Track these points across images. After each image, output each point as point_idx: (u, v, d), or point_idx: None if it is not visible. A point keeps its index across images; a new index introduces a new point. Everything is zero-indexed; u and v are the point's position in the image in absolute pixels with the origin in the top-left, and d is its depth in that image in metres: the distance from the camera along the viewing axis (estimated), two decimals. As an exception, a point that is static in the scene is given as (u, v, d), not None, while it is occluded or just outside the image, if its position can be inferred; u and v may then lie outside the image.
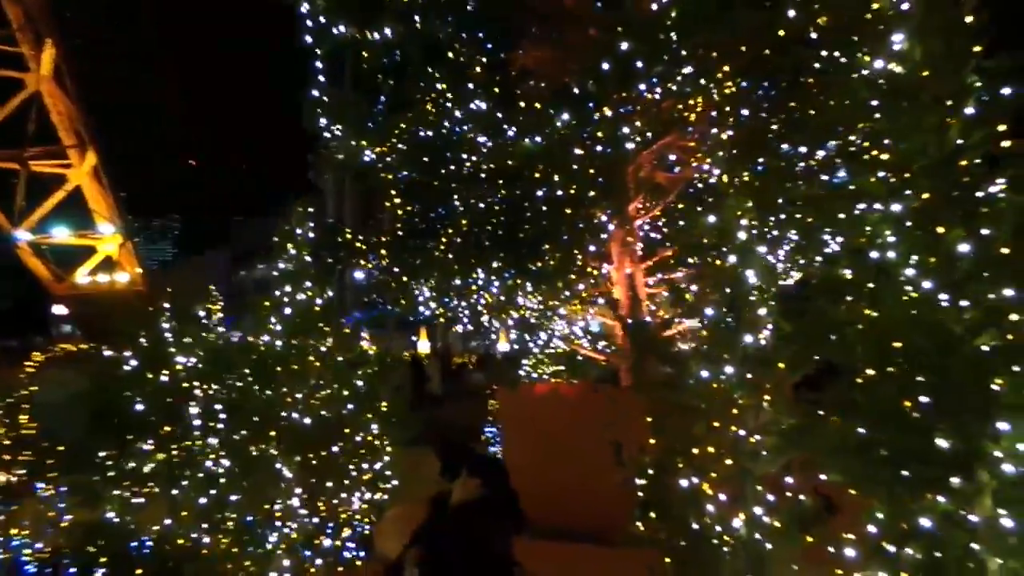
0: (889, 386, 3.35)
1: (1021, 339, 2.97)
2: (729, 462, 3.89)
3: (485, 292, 7.33)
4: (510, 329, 9.56)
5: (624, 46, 5.50)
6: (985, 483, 3.03)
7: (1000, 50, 3.27)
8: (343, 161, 9.88)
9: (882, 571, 3.28)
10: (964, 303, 3.07)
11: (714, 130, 5.39)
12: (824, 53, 4.49)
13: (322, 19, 8.59)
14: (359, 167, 9.12)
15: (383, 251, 8.06)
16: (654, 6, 6.14)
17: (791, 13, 5.11)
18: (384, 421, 6.70)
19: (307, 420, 6.07)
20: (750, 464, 3.65)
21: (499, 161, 6.69)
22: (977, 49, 3.31)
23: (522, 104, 6.36)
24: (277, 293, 6.55)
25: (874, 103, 3.51)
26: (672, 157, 7.45)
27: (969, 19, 3.34)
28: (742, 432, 3.64)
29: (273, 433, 5.37)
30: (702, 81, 5.47)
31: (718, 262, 3.79)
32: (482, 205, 7.13)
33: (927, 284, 3.15)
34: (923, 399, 3.23)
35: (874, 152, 3.34)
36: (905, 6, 3.40)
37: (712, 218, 3.97)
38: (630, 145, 6.33)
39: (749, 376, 3.57)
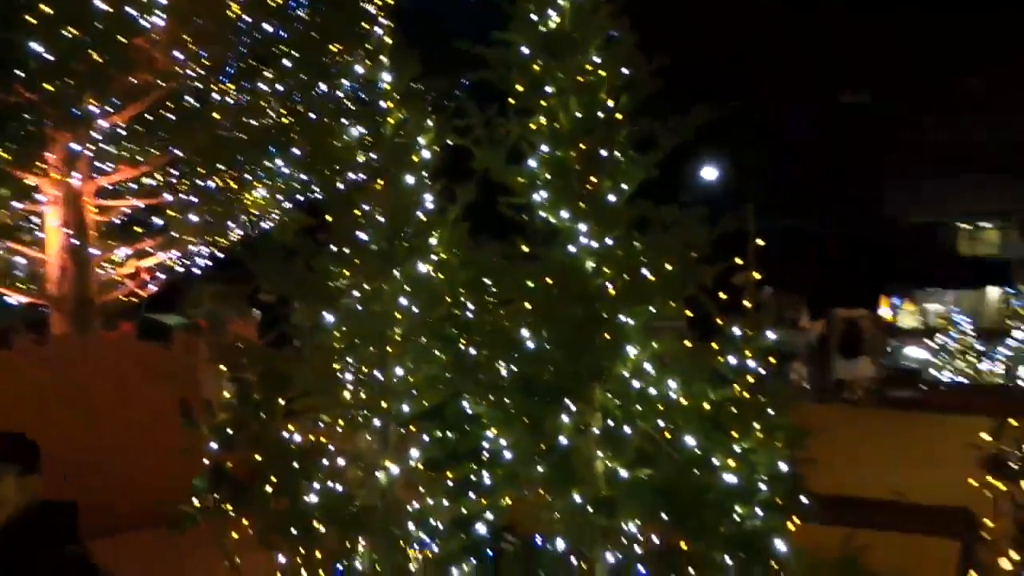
0: (521, 320, 3.63)
1: (636, 279, 3.59)
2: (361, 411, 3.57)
3: None
4: None
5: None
6: (600, 401, 3.59)
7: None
8: None
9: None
10: (608, 242, 3.52)
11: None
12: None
13: None
14: None
15: None
16: None
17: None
18: None
19: None
20: (401, 406, 3.43)
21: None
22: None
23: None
24: None
25: (526, 51, 3.67)
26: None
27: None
28: (400, 371, 3.39)
29: None
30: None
31: (378, 184, 3.39)
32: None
33: (581, 227, 3.50)
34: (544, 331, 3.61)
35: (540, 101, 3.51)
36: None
37: (358, 130, 3.52)
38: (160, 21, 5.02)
39: (416, 310, 3.33)
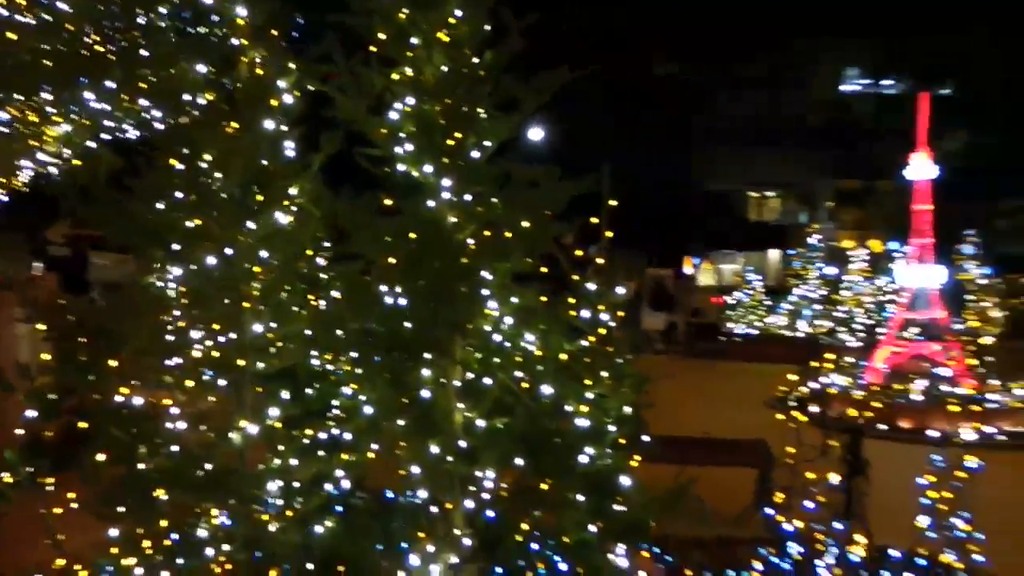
0: (382, 274, 3.57)
1: (497, 234, 3.65)
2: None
3: None
4: None
5: None
6: (460, 354, 3.64)
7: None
8: None
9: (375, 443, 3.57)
10: (468, 198, 3.54)
11: None
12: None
13: None
14: None
15: None
16: None
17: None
18: None
19: None
20: (261, 363, 3.27)
21: None
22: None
23: None
24: None
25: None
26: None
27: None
28: (259, 328, 3.21)
29: None
30: None
31: (232, 127, 3.13)
32: None
33: (444, 182, 3.49)
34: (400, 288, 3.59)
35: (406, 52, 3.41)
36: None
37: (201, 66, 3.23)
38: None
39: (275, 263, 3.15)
